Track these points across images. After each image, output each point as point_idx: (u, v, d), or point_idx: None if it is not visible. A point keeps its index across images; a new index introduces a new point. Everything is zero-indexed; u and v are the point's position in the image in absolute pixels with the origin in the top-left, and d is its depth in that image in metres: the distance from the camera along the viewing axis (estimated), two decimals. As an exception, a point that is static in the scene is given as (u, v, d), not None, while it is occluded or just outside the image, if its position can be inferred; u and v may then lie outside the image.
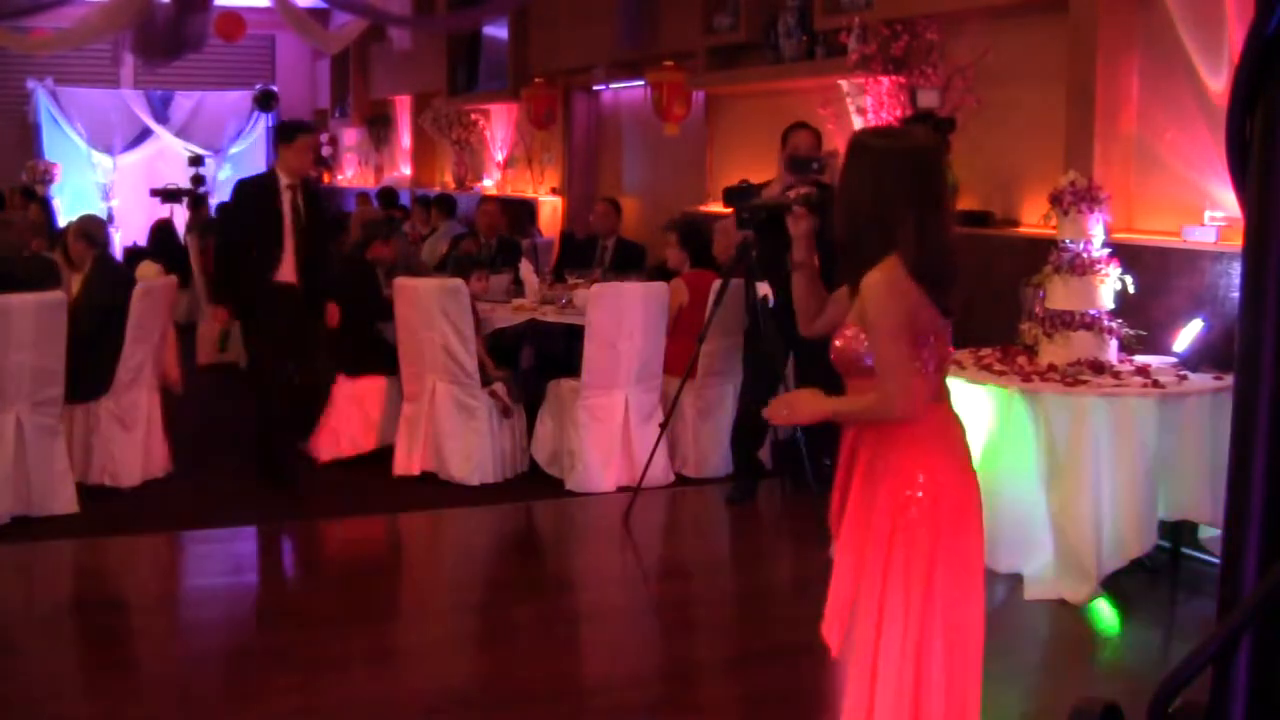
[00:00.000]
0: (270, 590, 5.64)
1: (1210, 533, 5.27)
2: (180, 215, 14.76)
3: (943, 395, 2.88)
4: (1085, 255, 5.38)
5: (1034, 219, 6.35)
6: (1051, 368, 5.30)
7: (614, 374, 6.63)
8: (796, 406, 2.88)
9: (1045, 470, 5.00)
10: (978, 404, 5.16)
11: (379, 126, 16.64)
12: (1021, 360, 5.48)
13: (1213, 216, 5.49)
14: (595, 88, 11.47)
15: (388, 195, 13.15)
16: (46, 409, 6.06)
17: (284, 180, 6.60)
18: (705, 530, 6.52)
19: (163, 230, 13.58)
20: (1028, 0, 6.45)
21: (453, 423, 6.73)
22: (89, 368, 6.35)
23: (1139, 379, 5.16)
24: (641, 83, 9.90)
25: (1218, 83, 5.51)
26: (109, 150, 17.25)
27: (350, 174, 17.58)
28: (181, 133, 17.59)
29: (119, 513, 6.25)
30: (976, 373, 5.31)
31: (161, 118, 17.60)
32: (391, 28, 13.68)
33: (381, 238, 7.79)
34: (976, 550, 2.85)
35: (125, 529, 6.04)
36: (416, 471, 6.81)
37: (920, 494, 2.75)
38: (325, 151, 17.05)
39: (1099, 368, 5.25)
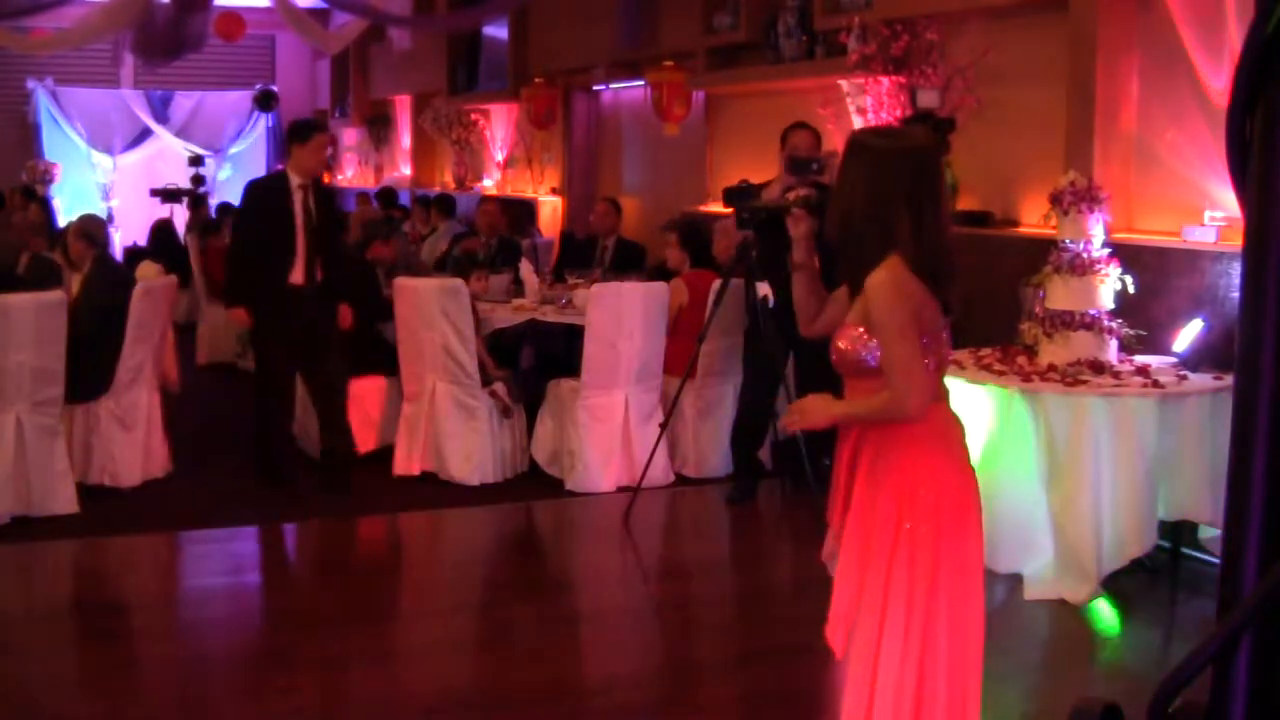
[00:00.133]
0: (270, 590, 5.64)
1: (1210, 533, 5.27)
2: (180, 215, 14.77)
3: (942, 395, 2.89)
4: (1085, 255, 5.38)
5: (1034, 219, 6.35)
6: (1051, 368, 5.30)
7: (614, 374, 6.63)
8: (808, 413, 2.87)
9: (1045, 470, 5.00)
10: (978, 404, 5.16)
11: (379, 126, 16.64)
12: (1021, 360, 5.48)
13: (1213, 216, 5.49)
14: (595, 88, 11.46)
15: (387, 195, 13.15)
16: (46, 409, 6.05)
17: (295, 180, 6.49)
18: (705, 530, 6.52)
19: (163, 230, 13.59)
20: (1028, 0, 6.45)
21: (453, 423, 6.73)
22: (89, 368, 6.35)
23: (1139, 379, 5.16)
24: (641, 83, 9.90)
25: (1218, 83, 5.51)
26: (109, 150, 17.25)
27: (350, 174, 17.58)
28: (181, 133, 17.59)
29: (119, 513, 6.24)
30: (976, 373, 5.31)
31: (161, 118, 17.60)
32: (391, 28, 13.68)
33: (381, 238, 7.80)
34: (976, 550, 2.85)
35: (125, 529, 6.04)
36: (416, 471, 6.81)
37: (922, 494, 2.76)
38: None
39: (1099, 368, 5.25)
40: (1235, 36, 5.40)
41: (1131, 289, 5.42)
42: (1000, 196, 6.78)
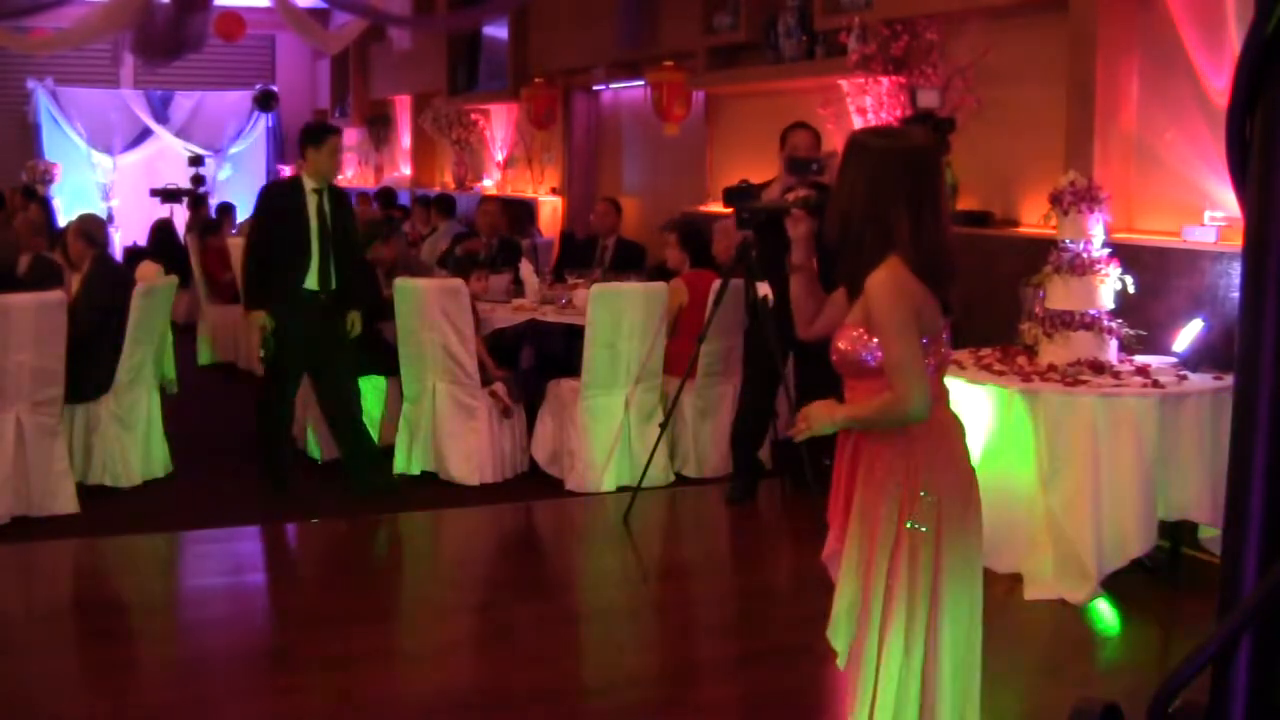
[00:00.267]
0: (270, 591, 5.64)
1: (1210, 533, 5.27)
2: (180, 215, 14.76)
3: (943, 395, 2.89)
4: (1085, 255, 5.38)
5: (1034, 219, 6.35)
6: (1051, 368, 5.30)
7: (614, 374, 6.63)
8: (813, 419, 2.86)
9: (1045, 470, 5.00)
10: (978, 404, 5.16)
11: (379, 126, 16.65)
12: (1021, 360, 5.48)
13: (1213, 216, 5.49)
14: (595, 88, 11.46)
15: (386, 195, 13.15)
16: (46, 409, 6.06)
17: (310, 184, 6.41)
18: (705, 530, 6.52)
19: (163, 230, 13.58)
20: (1028, 0, 6.45)
21: (453, 423, 6.73)
22: (89, 368, 6.35)
23: (1139, 379, 5.16)
24: (641, 83, 9.90)
25: (1218, 83, 5.52)
26: (109, 150, 17.26)
27: (350, 174, 17.58)
28: (181, 133, 17.59)
29: (119, 513, 6.25)
30: (976, 373, 5.31)
31: (161, 118, 17.61)
32: (391, 28, 13.69)
33: (381, 238, 7.79)
34: (976, 550, 2.85)
35: (125, 529, 6.04)
36: (416, 471, 6.81)
37: (923, 494, 2.76)
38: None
39: (1099, 368, 5.25)
40: (1235, 36, 5.40)
41: (1131, 289, 5.42)
42: (1000, 196, 6.78)
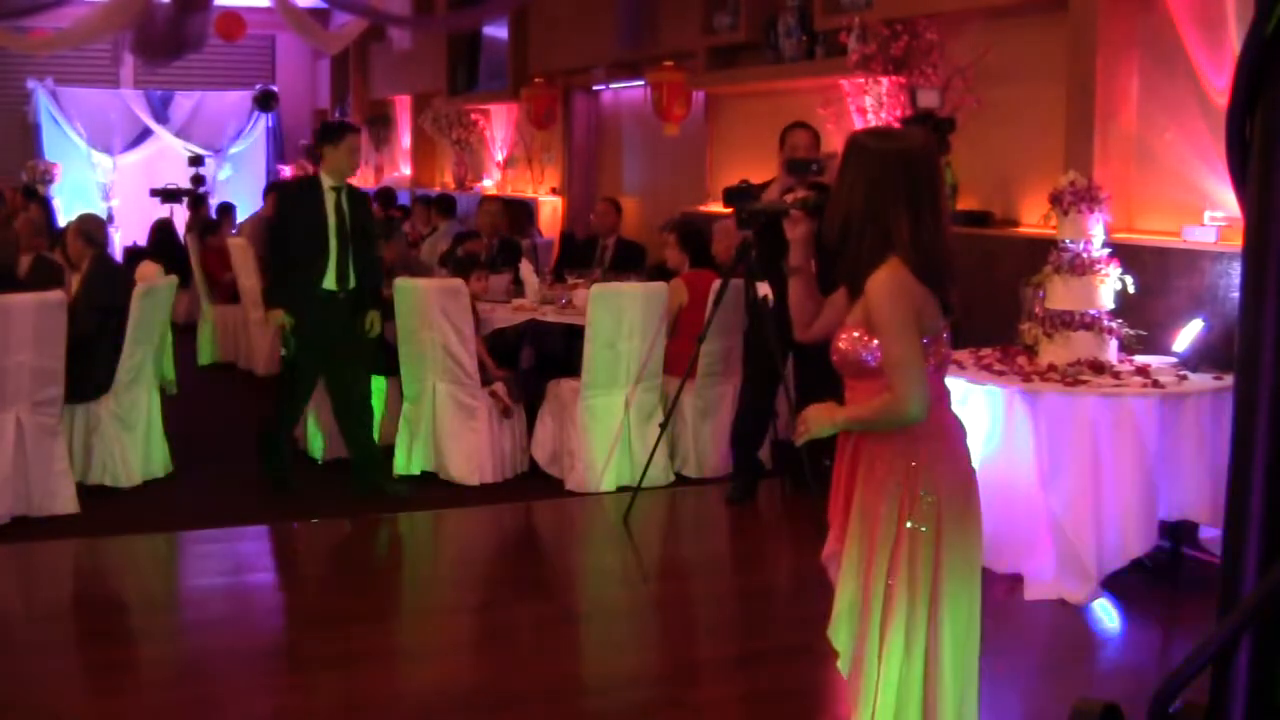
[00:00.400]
0: (270, 590, 5.64)
1: (1210, 533, 5.27)
2: (180, 215, 14.76)
3: (944, 396, 2.89)
4: (1085, 255, 5.38)
5: (1034, 219, 6.35)
6: (1051, 368, 5.29)
7: (614, 374, 6.63)
8: (812, 422, 2.86)
9: (1045, 470, 5.00)
10: (978, 404, 5.16)
11: (379, 126, 16.64)
12: (1021, 360, 5.48)
13: (1213, 216, 5.49)
14: (595, 88, 11.47)
15: (385, 195, 13.14)
16: (46, 409, 6.06)
17: (328, 183, 6.37)
18: (705, 530, 6.52)
19: (163, 230, 13.58)
20: (1027, 0, 6.45)
21: (453, 423, 6.73)
22: (89, 368, 6.35)
23: (1139, 379, 5.16)
24: (641, 83, 9.91)
25: (1218, 83, 5.52)
26: (109, 150, 17.25)
27: (350, 174, 17.57)
28: (181, 133, 17.59)
29: (119, 513, 6.24)
30: (976, 373, 5.31)
31: (161, 118, 17.60)
32: (391, 28, 13.68)
33: (382, 238, 7.79)
34: (977, 550, 2.86)
35: (125, 529, 6.04)
36: (416, 471, 6.81)
37: (924, 494, 2.76)
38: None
39: (1099, 368, 5.25)
40: (1235, 36, 5.40)
41: (1131, 289, 5.42)
42: (1000, 196, 6.78)
